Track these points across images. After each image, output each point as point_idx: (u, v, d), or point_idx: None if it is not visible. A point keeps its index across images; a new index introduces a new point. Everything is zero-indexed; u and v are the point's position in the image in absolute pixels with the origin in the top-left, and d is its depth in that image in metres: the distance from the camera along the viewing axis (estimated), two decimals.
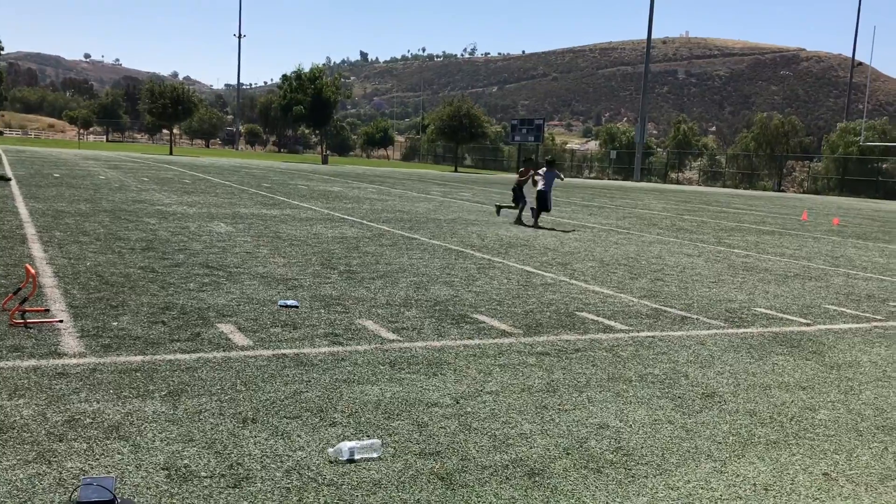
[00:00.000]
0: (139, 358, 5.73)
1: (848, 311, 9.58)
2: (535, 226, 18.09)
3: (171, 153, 71.33)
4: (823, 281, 12.07)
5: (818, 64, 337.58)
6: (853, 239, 20.78)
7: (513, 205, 19.58)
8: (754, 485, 4.19)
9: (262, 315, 7.34)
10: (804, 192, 70.05)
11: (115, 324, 6.67)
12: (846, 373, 6.64)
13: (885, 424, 5.35)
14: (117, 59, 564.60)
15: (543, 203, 18.53)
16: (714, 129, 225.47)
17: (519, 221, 18.78)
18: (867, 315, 9.38)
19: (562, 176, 20.04)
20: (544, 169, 19.37)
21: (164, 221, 14.81)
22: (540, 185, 18.87)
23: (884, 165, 68.39)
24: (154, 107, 71.53)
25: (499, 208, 21.32)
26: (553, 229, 17.88)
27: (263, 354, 6.02)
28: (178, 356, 5.83)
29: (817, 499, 4.08)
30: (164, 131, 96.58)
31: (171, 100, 70.98)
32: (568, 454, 4.42)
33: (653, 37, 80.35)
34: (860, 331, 8.44)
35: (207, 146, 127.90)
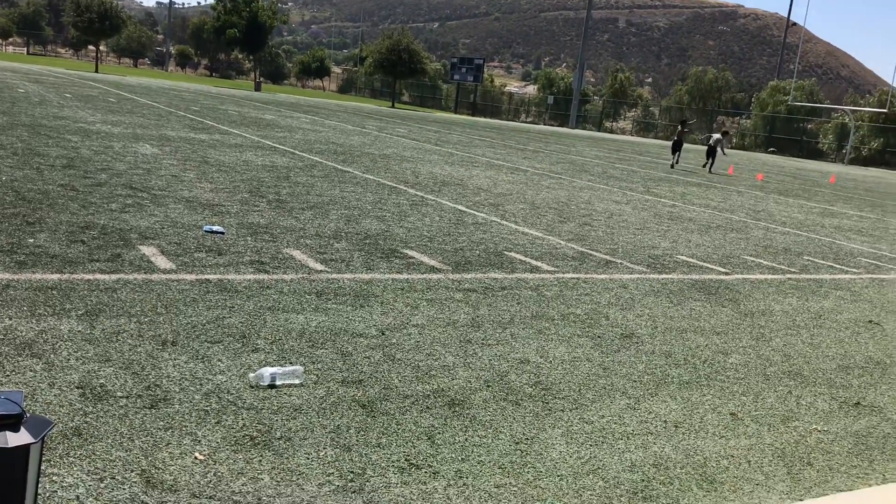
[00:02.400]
0: (56, 276, 5.55)
1: (765, 262, 9.91)
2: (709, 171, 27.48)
3: (96, 70, 68.34)
4: (744, 233, 12.45)
5: (755, 22, 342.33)
6: (775, 195, 21.42)
7: (674, 157, 28.59)
8: (665, 421, 4.35)
9: (186, 239, 7.19)
10: (732, 148, 71.57)
11: (32, 241, 6.44)
12: (759, 320, 6.90)
13: (791, 370, 5.60)
14: None
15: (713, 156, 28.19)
16: (650, 80, 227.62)
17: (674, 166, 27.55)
18: (783, 267, 9.73)
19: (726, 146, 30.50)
20: (716, 136, 29.38)
21: (86, 139, 14.26)
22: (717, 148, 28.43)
23: (809, 126, 70.33)
24: (79, 20, 67.90)
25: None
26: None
27: (186, 279, 5.91)
28: (98, 276, 5.67)
29: (723, 436, 4.26)
30: (90, 47, 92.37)
31: (97, 14, 67.49)
32: (488, 387, 4.50)
33: None
34: (775, 282, 8.76)
35: (135, 66, 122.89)
